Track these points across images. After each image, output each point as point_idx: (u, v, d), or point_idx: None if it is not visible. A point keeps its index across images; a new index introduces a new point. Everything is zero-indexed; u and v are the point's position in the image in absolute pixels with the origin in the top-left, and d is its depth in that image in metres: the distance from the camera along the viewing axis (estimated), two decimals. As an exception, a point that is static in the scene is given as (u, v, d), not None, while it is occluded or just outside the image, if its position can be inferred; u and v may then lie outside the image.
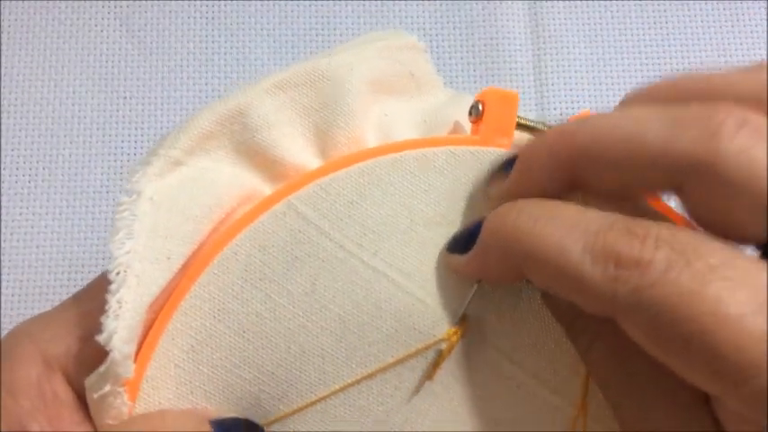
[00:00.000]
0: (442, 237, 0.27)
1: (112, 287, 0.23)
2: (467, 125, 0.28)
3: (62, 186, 0.43)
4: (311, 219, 0.26)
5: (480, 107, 0.27)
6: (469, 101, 0.28)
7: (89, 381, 0.23)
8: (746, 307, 0.18)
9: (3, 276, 0.42)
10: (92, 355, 0.24)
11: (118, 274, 0.23)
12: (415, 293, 0.26)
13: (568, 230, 0.21)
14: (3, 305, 0.41)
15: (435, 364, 0.26)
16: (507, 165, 0.25)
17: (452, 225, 0.27)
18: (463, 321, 0.26)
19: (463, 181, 0.27)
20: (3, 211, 0.43)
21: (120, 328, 0.22)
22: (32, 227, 0.42)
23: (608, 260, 0.20)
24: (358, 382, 0.26)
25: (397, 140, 0.27)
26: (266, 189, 0.27)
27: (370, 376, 0.26)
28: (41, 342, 0.24)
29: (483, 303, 0.26)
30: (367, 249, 0.26)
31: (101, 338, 0.22)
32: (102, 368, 0.23)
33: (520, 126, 0.28)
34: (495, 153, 0.27)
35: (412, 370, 0.26)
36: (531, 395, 0.27)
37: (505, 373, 0.27)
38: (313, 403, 0.26)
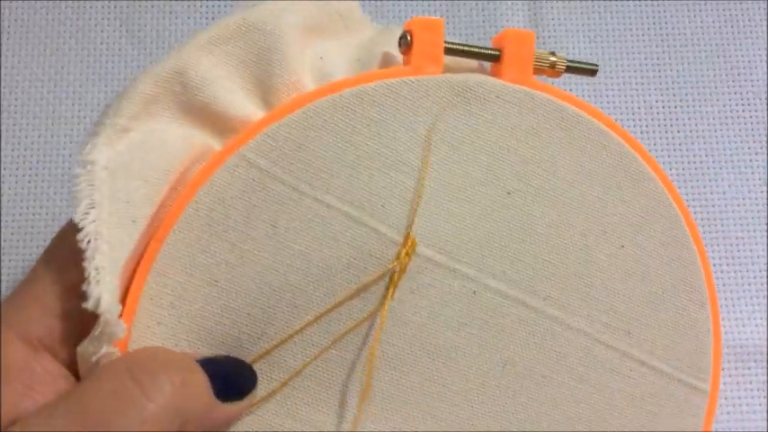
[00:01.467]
0: (387, 166, 0.28)
1: (87, 255, 0.23)
2: (398, 56, 0.30)
3: (62, 186, 0.43)
4: (263, 167, 0.27)
5: (409, 37, 0.28)
6: (399, 31, 0.30)
7: (82, 347, 0.24)
8: None
9: (3, 276, 0.42)
10: (74, 330, 0.24)
11: (89, 242, 0.24)
12: (367, 222, 0.28)
13: None
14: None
15: (389, 288, 0.28)
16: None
17: (394, 153, 0.28)
18: (411, 243, 0.28)
19: (401, 110, 0.28)
20: (3, 211, 0.43)
21: (103, 293, 0.23)
22: (32, 227, 0.43)
23: None
24: (328, 311, 0.28)
25: (334, 80, 0.29)
26: (216, 144, 0.28)
27: (338, 304, 0.28)
28: (20, 326, 0.24)
29: (429, 222, 0.29)
30: (318, 188, 0.28)
31: (88, 305, 0.23)
32: (95, 332, 0.23)
33: (448, 51, 0.29)
34: (428, 80, 0.29)
35: (372, 293, 0.28)
36: (487, 298, 0.29)
37: (459, 283, 0.29)
38: (291, 336, 0.27)
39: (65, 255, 0.25)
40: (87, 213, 0.24)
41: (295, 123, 0.28)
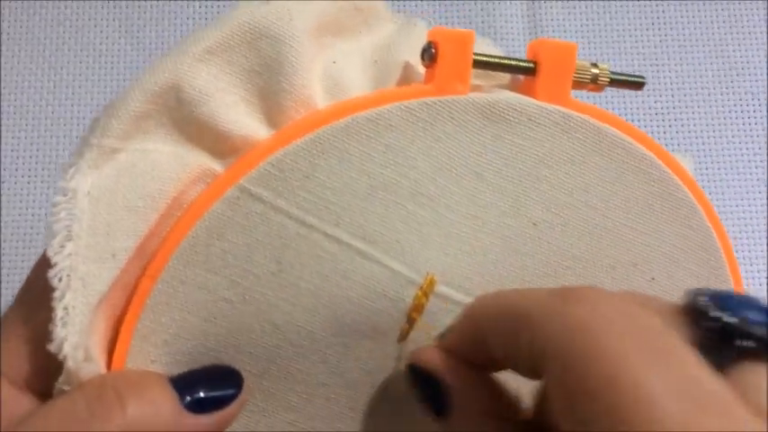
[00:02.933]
0: (403, 197, 0.26)
1: (57, 294, 0.22)
2: (419, 66, 0.27)
3: (62, 186, 0.43)
4: (266, 199, 0.25)
5: (433, 50, 0.25)
6: (421, 29, 0.27)
7: (55, 389, 0.23)
8: None
9: (3, 276, 0.42)
10: (57, 366, 0.23)
11: (60, 280, 0.22)
12: (380, 260, 0.26)
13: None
14: (2, 305, 0.41)
15: (405, 330, 0.26)
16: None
17: (414, 183, 0.26)
18: (429, 282, 0.26)
19: (420, 135, 0.26)
20: (3, 211, 0.43)
21: (69, 335, 0.22)
22: (32, 227, 0.43)
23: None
24: (337, 353, 0.26)
25: (347, 95, 0.26)
26: (215, 165, 0.25)
27: (345, 345, 0.26)
28: (2, 364, 0.23)
29: (448, 261, 0.27)
30: (327, 221, 0.25)
31: (52, 347, 0.22)
32: (60, 378, 0.22)
33: (477, 64, 0.26)
34: (452, 102, 0.26)
35: (385, 334, 0.26)
36: None
37: None
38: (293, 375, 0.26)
39: (40, 288, 0.23)
40: (63, 247, 0.22)
41: (302, 151, 0.25)
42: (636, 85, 0.29)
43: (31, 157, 0.44)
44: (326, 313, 0.26)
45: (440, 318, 0.26)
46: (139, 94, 0.24)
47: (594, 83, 0.27)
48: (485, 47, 0.27)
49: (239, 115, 0.25)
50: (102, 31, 0.46)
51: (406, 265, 0.26)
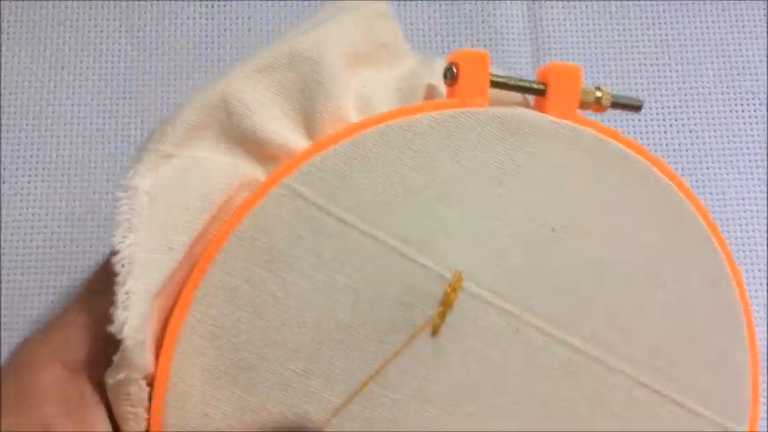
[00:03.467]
0: (434, 199, 0.28)
1: (119, 279, 0.24)
2: (440, 87, 0.29)
3: (62, 186, 0.43)
4: (308, 197, 0.27)
5: (455, 70, 0.28)
6: (439, 63, 0.29)
7: (108, 372, 0.24)
8: None
9: (3, 276, 0.42)
10: (110, 357, 0.24)
11: (123, 266, 0.24)
12: (414, 257, 0.27)
13: None
14: (2, 306, 0.41)
15: (436, 325, 0.27)
16: None
17: (442, 185, 0.28)
18: (458, 278, 0.28)
19: (447, 143, 0.28)
20: (3, 211, 0.43)
21: (130, 318, 0.23)
22: (32, 227, 0.43)
23: None
24: (375, 348, 0.27)
25: (377, 111, 0.29)
26: (260, 173, 0.28)
27: (381, 341, 0.27)
28: (60, 350, 0.25)
29: (473, 255, 0.28)
30: (365, 220, 0.27)
31: (113, 329, 0.23)
32: (116, 357, 0.24)
33: (494, 84, 0.29)
34: (474, 114, 0.28)
35: (422, 331, 0.28)
36: (529, 336, 0.28)
37: (503, 320, 0.28)
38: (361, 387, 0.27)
39: (104, 280, 0.25)
40: (125, 237, 0.24)
41: (340, 154, 0.27)
42: (634, 107, 0.31)
43: (31, 157, 0.44)
44: (364, 308, 0.27)
45: (468, 314, 0.28)
46: (194, 106, 0.27)
47: (598, 104, 0.30)
48: (492, 69, 0.30)
49: (281, 128, 0.28)
50: (102, 31, 0.46)
51: (437, 263, 0.28)
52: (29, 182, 0.43)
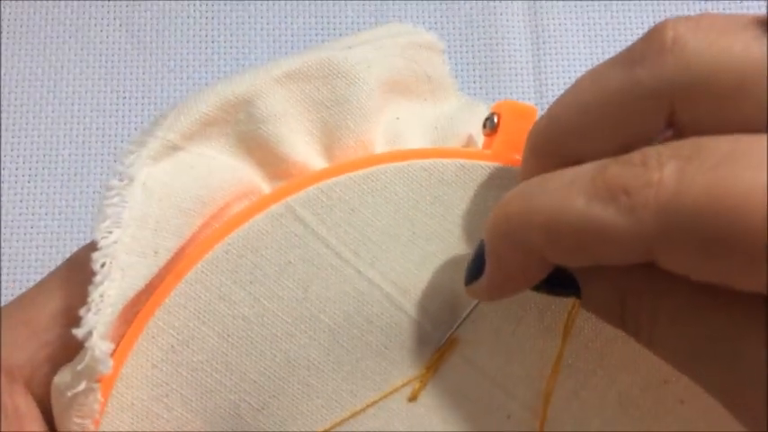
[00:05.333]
0: (444, 253, 0.25)
1: (97, 279, 0.22)
2: (480, 138, 0.27)
3: (62, 186, 0.43)
4: (309, 223, 0.25)
5: (495, 120, 0.26)
6: (483, 111, 0.27)
7: (60, 378, 0.22)
8: None
9: (3, 276, 0.42)
10: (58, 358, 0.23)
11: (102, 265, 0.22)
12: (408, 310, 0.25)
13: (567, 188, 0.19)
14: (2, 305, 0.41)
15: (416, 390, 0.25)
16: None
17: (457, 241, 0.26)
18: (449, 346, 0.25)
19: (471, 196, 0.26)
20: (3, 211, 0.43)
21: (99, 324, 0.21)
22: (32, 227, 0.43)
23: (617, 194, 0.18)
24: (343, 400, 0.25)
25: (407, 146, 0.26)
26: (265, 186, 0.26)
27: (353, 394, 0.25)
28: (2, 351, 0.23)
29: (477, 327, 0.26)
30: (363, 259, 0.25)
31: (79, 333, 0.21)
32: (79, 366, 0.22)
33: None
34: (507, 170, 0.26)
35: (396, 390, 0.25)
36: (522, 426, 0.26)
37: (496, 402, 0.26)
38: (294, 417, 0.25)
39: (75, 273, 0.23)
40: (110, 232, 0.22)
41: (354, 184, 0.25)
42: None
43: (31, 157, 0.44)
44: (342, 354, 0.25)
45: (453, 380, 0.25)
46: (213, 99, 0.24)
47: None
48: None
49: (300, 142, 0.25)
50: (102, 31, 0.46)
51: (432, 323, 0.25)
52: (29, 182, 0.43)
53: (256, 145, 0.25)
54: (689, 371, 0.20)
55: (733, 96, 0.18)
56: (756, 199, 0.16)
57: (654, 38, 0.19)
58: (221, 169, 0.25)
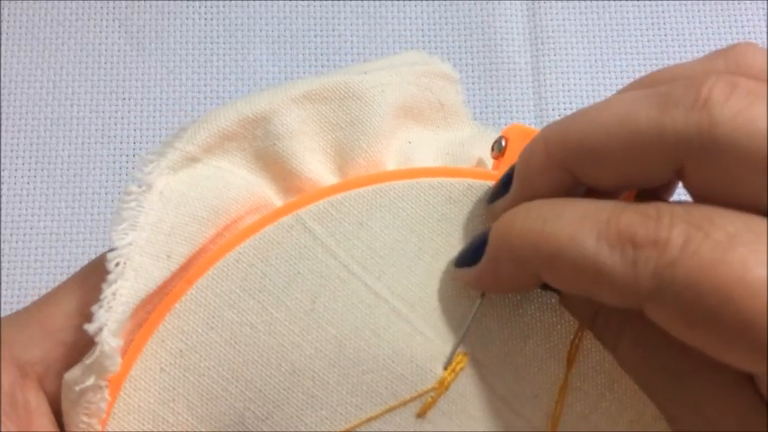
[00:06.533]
0: (450, 269, 0.26)
1: (110, 277, 0.22)
2: (490, 163, 0.28)
3: (62, 187, 0.43)
4: (318, 235, 0.25)
5: (503, 143, 0.27)
6: (494, 137, 0.28)
7: (70, 374, 0.23)
8: None
9: (3, 276, 0.42)
10: (71, 357, 0.23)
11: (117, 264, 0.23)
12: (415, 324, 0.25)
13: (579, 223, 0.20)
14: (3, 305, 0.41)
15: (427, 405, 0.25)
16: (506, 180, 0.24)
17: None
18: (459, 361, 0.25)
19: (477, 215, 0.26)
20: (3, 211, 0.43)
21: (110, 321, 0.22)
22: (31, 228, 0.43)
23: (625, 244, 0.19)
24: (347, 413, 0.25)
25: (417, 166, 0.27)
26: (278, 201, 0.26)
27: (359, 407, 0.25)
28: (16, 347, 0.24)
29: (485, 343, 0.26)
30: (371, 272, 0.25)
31: (90, 328, 0.22)
32: (88, 360, 0.22)
33: None
34: None
35: (403, 404, 0.25)
36: None
37: (503, 420, 0.26)
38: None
39: (91, 276, 0.24)
40: (126, 234, 0.23)
41: (363, 199, 0.26)
42: None
43: (31, 157, 0.44)
44: (348, 366, 0.25)
45: (461, 396, 0.25)
46: (233, 114, 0.25)
47: None
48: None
49: (313, 160, 0.26)
50: (101, 32, 0.46)
51: (441, 337, 0.25)
52: (28, 183, 0.43)
53: (272, 161, 0.26)
54: (642, 387, 0.22)
55: (741, 170, 0.19)
56: (752, 288, 0.17)
57: (692, 88, 0.19)
58: (237, 182, 0.25)
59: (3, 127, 0.44)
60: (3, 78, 0.45)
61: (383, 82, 0.27)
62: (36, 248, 0.42)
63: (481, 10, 0.47)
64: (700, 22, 0.47)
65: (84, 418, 0.23)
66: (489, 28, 0.46)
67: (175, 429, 0.24)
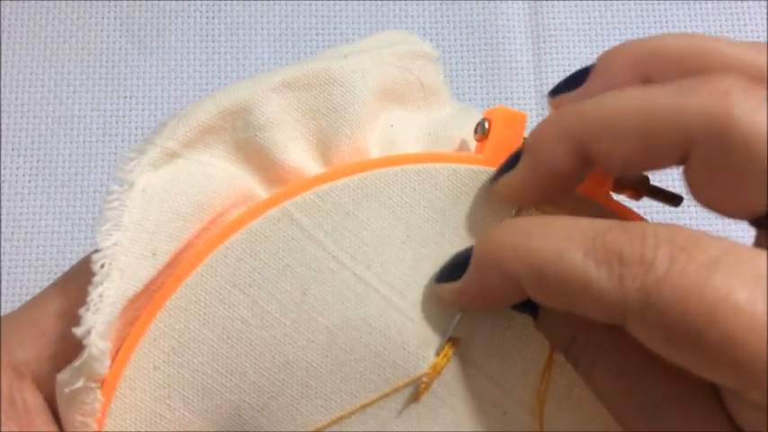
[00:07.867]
0: (438, 256, 0.26)
1: (96, 279, 0.22)
2: (472, 144, 0.28)
3: (62, 186, 0.43)
4: (306, 227, 0.25)
5: (486, 125, 0.26)
6: (477, 116, 0.28)
7: (61, 376, 0.23)
8: (756, 293, 0.18)
9: (3, 276, 0.42)
10: (63, 356, 0.23)
11: (102, 266, 0.23)
12: (405, 311, 0.25)
13: (566, 239, 0.20)
14: (3, 305, 0.41)
15: (421, 390, 0.25)
16: (513, 160, 0.24)
17: (449, 244, 0.26)
18: (450, 345, 0.25)
19: (463, 200, 0.26)
20: (3, 211, 0.43)
21: (98, 323, 0.22)
22: (32, 227, 0.42)
23: (611, 260, 0.19)
24: (342, 400, 0.25)
25: (401, 152, 0.27)
26: (262, 192, 0.26)
27: (352, 394, 0.25)
28: (10, 347, 0.24)
29: (473, 326, 0.26)
30: (360, 262, 0.25)
31: (78, 331, 0.22)
32: (76, 363, 0.22)
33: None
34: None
35: (395, 391, 0.25)
36: (518, 423, 0.26)
37: (493, 399, 0.26)
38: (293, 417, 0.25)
39: (78, 277, 0.24)
40: (110, 234, 0.23)
41: (349, 188, 0.25)
42: (673, 200, 0.29)
43: (31, 157, 0.44)
44: (340, 356, 0.25)
45: (453, 378, 0.26)
46: (212, 107, 0.25)
47: (634, 192, 0.27)
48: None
49: (296, 149, 0.26)
50: (102, 30, 0.46)
51: (431, 323, 0.25)
52: (29, 181, 0.43)
53: (254, 152, 0.26)
54: (615, 414, 0.22)
55: (745, 164, 0.19)
56: (737, 308, 0.18)
57: (712, 81, 0.20)
58: (219, 176, 0.25)
59: (4, 125, 0.44)
60: (4, 77, 0.45)
61: (364, 66, 0.27)
62: (37, 247, 0.42)
63: (483, 9, 0.47)
64: (701, 22, 0.47)
65: (80, 418, 0.23)
66: (491, 27, 0.46)
67: (173, 424, 0.24)
